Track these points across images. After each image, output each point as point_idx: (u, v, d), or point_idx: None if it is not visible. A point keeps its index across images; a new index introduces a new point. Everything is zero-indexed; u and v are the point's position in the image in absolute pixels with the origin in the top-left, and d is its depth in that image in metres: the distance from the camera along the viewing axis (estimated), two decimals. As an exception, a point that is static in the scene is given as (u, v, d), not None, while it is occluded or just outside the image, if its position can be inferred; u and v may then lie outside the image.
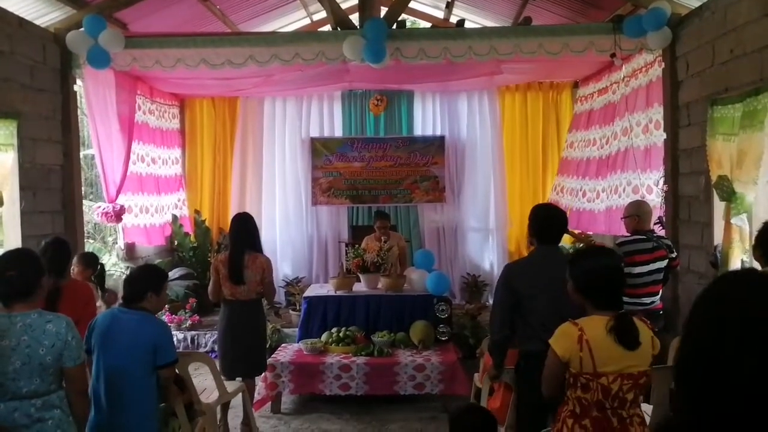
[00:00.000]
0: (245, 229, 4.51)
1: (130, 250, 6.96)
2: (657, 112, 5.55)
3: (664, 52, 5.38)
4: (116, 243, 7.25)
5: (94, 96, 5.88)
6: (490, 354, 3.37)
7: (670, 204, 5.30)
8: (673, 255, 4.39)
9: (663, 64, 5.41)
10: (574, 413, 2.36)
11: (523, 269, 3.25)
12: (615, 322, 2.29)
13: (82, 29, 5.31)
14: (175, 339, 6.51)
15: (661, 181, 5.46)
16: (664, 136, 5.40)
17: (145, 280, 3.22)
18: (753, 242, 3.47)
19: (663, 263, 4.24)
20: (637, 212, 4.43)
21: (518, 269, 3.27)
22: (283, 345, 5.80)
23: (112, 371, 3.01)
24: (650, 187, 5.68)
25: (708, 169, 4.70)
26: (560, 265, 3.04)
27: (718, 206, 4.71)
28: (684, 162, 5.21)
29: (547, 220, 3.25)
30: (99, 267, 4.30)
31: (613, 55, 5.47)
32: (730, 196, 4.36)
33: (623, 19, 5.46)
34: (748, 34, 4.24)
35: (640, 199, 5.22)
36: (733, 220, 4.38)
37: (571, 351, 2.32)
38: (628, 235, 4.44)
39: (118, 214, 6.10)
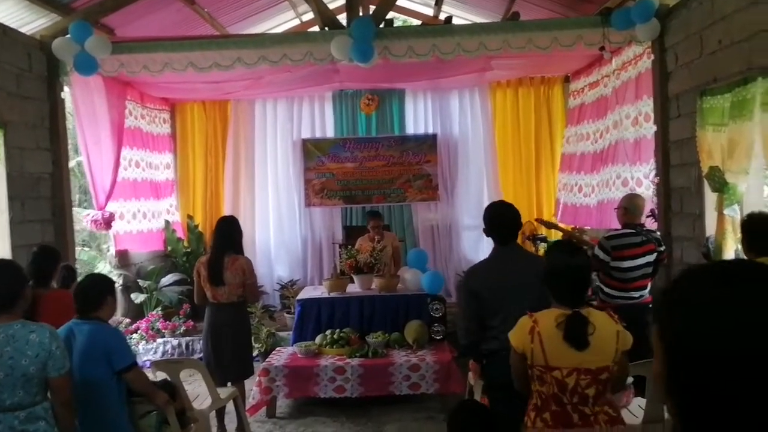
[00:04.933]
0: (227, 231, 4.50)
1: (122, 258, 6.92)
2: (646, 105, 5.53)
3: (653, 43, 5.35)
4: (110, 251, 7.22)
5: (82, 103, 5.85)
6: (464, 357, 3.35)
7: (662, 196, 5.27)
8: (662, 248, 4.37)
9: (652, 55, 5.39)
10: (536, 406, 2.40)
11: (481, 271, 3.20)
12: (565, 319, 2.30)
13: (69, 36, 5.27)
14: (169, 345, 6.53)
15: (652, 174, 5.44)
16: (654, 128, 5.38)
17: (100, 286, 3.25)
18: (741, 234, 3.46)
19: (652, 257, 4.21)
20: (626, 205, 4.41)
21: (476, 271, 3.22)
22: (277, 348, 5.77)
23: (76, 382, 3.01)
24: (640, 179, 5.66)
25: (699, 161, 4.68)
26: (521, 264, 3.02)
27: (710, 197, 4.69)
28: (674, 154, 5.19)
29: (498, 219, 3.17)
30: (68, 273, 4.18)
31: (602, 48, 5.45)
32: (722, 186, 4.33)
33: (611, 12, 5.43)
34: (736, 24, 4.22)
35: (632, 193, 5.19)
36: (725, 211, 4.36)
37: (524, 342, 2.37)
38: (619, 228, 4.42)
39: (107, 221, 6.07)
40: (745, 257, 3.41)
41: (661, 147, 5.31)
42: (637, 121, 5.71)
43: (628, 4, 5.44)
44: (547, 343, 2.31)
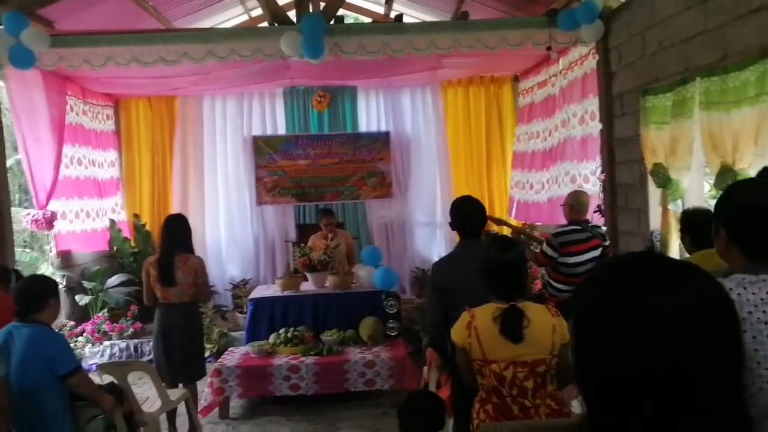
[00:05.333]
0: (175, 229, 4.39)
1: (65, 258, 6.67)
2: (592, 103, 5.69)
3: (597, 44, 5.50)
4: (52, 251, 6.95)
5: (19, 98, 5.60)
6: (433, 350, 3.37)
7: (608, 192, 5.43)
8: (606, 243, 4.50)
9: (597, 56, 5.55)
10: (481, 398, 2.44)
11: (446, 265, 3.25)
12: (500, 313, 2.35)
13: (1, 27, 5.03)
14: (117, 348, 6.34)
15: (599, 170, 5.60)
16: (600, 126, 5.54)
17: (42, 288, 3.17)
18: (680, 232, 3.60)
19: (597, 252, 4.35)
20: (571, 201, 4.53)
21: (441, 265, 3.27)
22: (230, 349, 5.68)
23: (14, 388, 2.90)
24: (587, 176, 5.82)
25: (642, 158, 4.84)
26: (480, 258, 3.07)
27: (653, 193, 4.86)
28: (619, 151, 5.35)
29: (464, 214, 3.24)
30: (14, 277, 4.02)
31: (549, 48, 5.56)
32: (666, 182, 4.50)
33: (557, 13, 5.56)
34: (674, 26, 4.38)
35: (579, 189, 5.33)
36: (669, 206, 4.53)
37: (463, 337, 2.40)
38: (565, 225, 4.53)
39: (48, 221, 5.84)
40: (687, 254, 3.55)
41: (607, 144, 5.47)
42: (583, 119, 5.87)
43: (573, 6, 5.58)
44: (484, 337, 2.35)
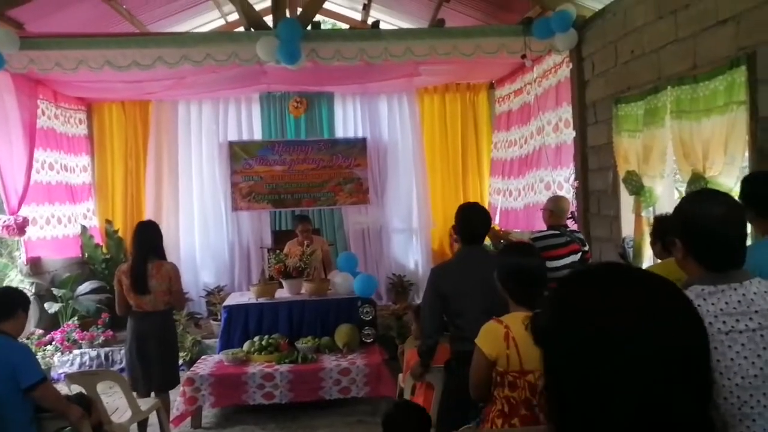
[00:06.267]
0: (147, 236, 4.30)
1: (35, 265, 6.51)
2: (566, 111, 5.76)
3: (571, 53, 5.58)
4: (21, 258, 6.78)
5: (-13, 101, 5.49)
6: (420, 356, 3.35)
7: (581, 199, 5.50)
8: (586, 248, 4.54)
9: (571, 64, 5.62)
10: (503, 413, 2.33)
11: (448, 271, 3.23)
12: (530, 321, 2.31)
13: (-31, 28, 4.94)
14: (86, 357, 6.21)
15: (572, 177, 5.66)
16: (574, 134, 5.60)
17: (13, 298, 3.15)
18: (650, 238, 3.63)
19: (577, 257, 4.37)
20: (551, 207, 4.57)
21: (443, 271, 3.25)
22: (203, 357, 5.59)
23: None
24: (561, 183, 5.88)
25: (615, 165, 4.91)
26: (485, 265, 3.06)
27: (625, 200, 4.93)
28: (592, 158, 5.42)
29: (470, 221, 3.25)
30: None
31: (523, 56, 5.62)
32: (639, 189, 4.56)
33: (532, 22, 5.62)
34: (646, 36, 4.46)
35: (558, 195, 5.36)
36: (642, 213, 4.59)
37: (499, 349, 2.30)
38: (543, 230, 4.56)
39: (20, 227, 5.72)
40: (658, 259, 3.59)
41: (580, 152, 5.54)
42: (557, 127, 5.93)
43: (548, 15, 5.65)
44: (522, 348, 2.26)
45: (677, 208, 1.70)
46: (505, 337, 2.29)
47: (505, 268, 2.48)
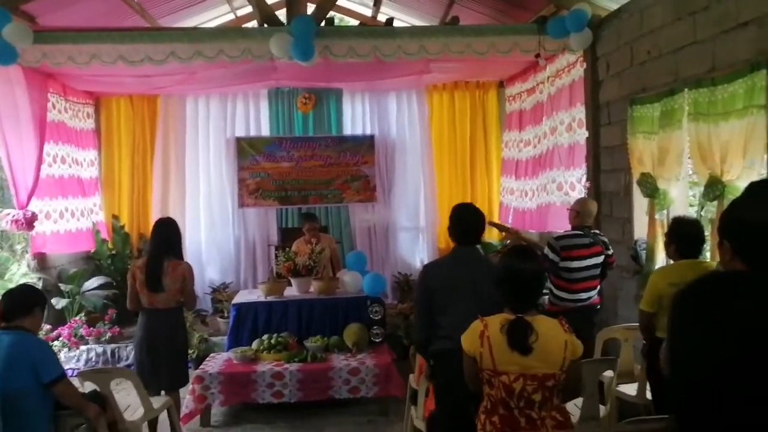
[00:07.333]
0: (166, 234, 4.27)
1: (41, 260, 6.49)
2: (580, 112, 5.72)
3: (585, 52, 5.54)
4: (27, 252, 6.76)
5: (0, 95, 5.46)
6: (418, 351, 3.36)
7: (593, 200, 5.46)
8: (609, 252, 4.50)
9: (585, 64, 5.58)
10: (486, 409, 2.42)
11: (439, 269, 3.26)
12: (507, 324, 2.34)
13: (-18, 22, 4.90)
14: (93, 353, 6.19)
15: (584, 178, 5.63)
16: (587, 134, 5.57)
17: (33, 295, 3.18)
18: (665, 238, 3.61)
19: (599, 259, 4.34)
20: (578, 208, 4.54)
21: (434, 269, 3.28)
22: (211, 355, 5.57)
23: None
24: (573, 184, 5.85)
25: (629, 166, 4.87)
26: (477, 266, 3.07)
27: (638, 202, 4.90)
28: (605, 159, 5.39)
29: (463, 222, 3.25)
30: None
31: (537, 56, 5.59)
32: (653, 192, 4.53)
33: (547, 20, 5.58)
34: (663, 37, 4.42)
35: (585, 197, 5.27)
36: (656, 216, 4.56)
37: (474, 346, 2.39)
38: (568, 230, 4.53)
39: (29, 221, 5.70)
40: (671, 261, 3.56)
41: (593, 153, 5.51)
42: (571, 127, 5.89)
43: (562, 13, 5.61)
44: (495, 348, 2.34)
45: (729, 210, 1.68)
46: (480, 335, 2.38)
47: (500, 271, 2.52)
